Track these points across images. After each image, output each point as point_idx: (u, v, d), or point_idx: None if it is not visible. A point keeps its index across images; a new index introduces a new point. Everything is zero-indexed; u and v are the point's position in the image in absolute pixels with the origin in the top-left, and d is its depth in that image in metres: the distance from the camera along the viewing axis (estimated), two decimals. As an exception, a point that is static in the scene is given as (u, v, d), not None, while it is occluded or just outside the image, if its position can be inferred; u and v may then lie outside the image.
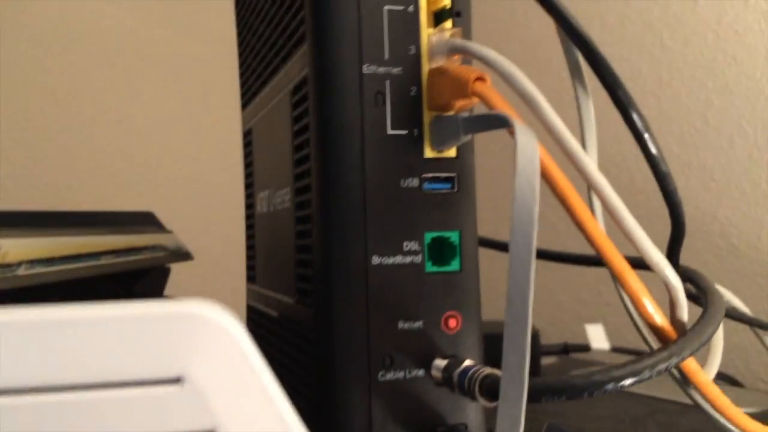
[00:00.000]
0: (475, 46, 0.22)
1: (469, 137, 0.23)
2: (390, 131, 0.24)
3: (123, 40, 0.70)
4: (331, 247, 0.24)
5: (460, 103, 0.23)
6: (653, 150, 0.22)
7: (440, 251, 0.24)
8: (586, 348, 0.52)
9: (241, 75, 0.38)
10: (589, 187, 0.22)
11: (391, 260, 0.24)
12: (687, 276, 0.30)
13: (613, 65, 0.53)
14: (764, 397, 0.41)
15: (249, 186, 0.37)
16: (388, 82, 0.24)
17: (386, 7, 0.24)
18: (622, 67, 0.58)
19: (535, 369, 0.48)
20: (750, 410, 0.36)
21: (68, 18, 0.68)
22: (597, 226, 0.20)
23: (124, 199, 0.69)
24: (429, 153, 0.24)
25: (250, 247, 0.37)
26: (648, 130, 0.21)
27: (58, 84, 0.67)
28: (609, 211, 0.22)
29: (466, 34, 0.25)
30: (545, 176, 0.20)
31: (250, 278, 0.37)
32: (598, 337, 0.53)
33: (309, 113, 0.24)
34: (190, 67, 0.73)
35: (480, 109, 0.22)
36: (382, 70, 0.24)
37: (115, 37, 0.70)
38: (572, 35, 0.21)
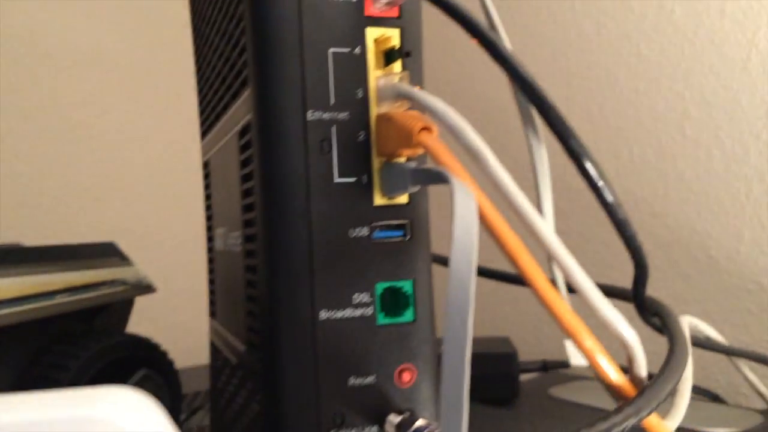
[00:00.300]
0: (420, 94, 0.21)
1: (417, 188, 0.22)
2: (337, 179, 0.23)
3: (89, 56, 0.69)
4: (277, 301, 0.23)
5: (407, 152, 0.22)
6: (609, 198, 0.21)
7: (392, 302, 0.23)
8: (565, 364, 0.52)
9: (199, 103, 0.36)
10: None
11: (340, 314, 0.23)
12: (654, 310, 0.30)
13: (590, 73, 0.52)
14: (746, 415, 0.40)
15: (209, 218, 0.36)
16: (334, 128, 0.23)
17: (331, 50, 0.23)
18: (599, 75, 0.58)
19: (513, 389, 0.47)
20: (731, 430, 0.36)
21: (35, 33, 0.66)
22: (547, 287, 0.19)
23: (87, 224, 0.68)
24: (379, 200, 0.23)
25: (211, 281, 0.36)
26: (603, 178, 0.20)
27: (19, 101, 0.66)
28: (565, 274, 0.21)
29: (417, 76, 0.23)
30: (493, 236, 0.19)
31: (212, 313, 0.36)
32: (577, 353, 0.52)
33: (253, 164, 0.23)
34: (158, 85, 0.72)
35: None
36: (327, 115, 0.23)
37: (81, 53, 0.68)
38: (520, 84, 0.20)
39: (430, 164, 0.21)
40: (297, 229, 0.22)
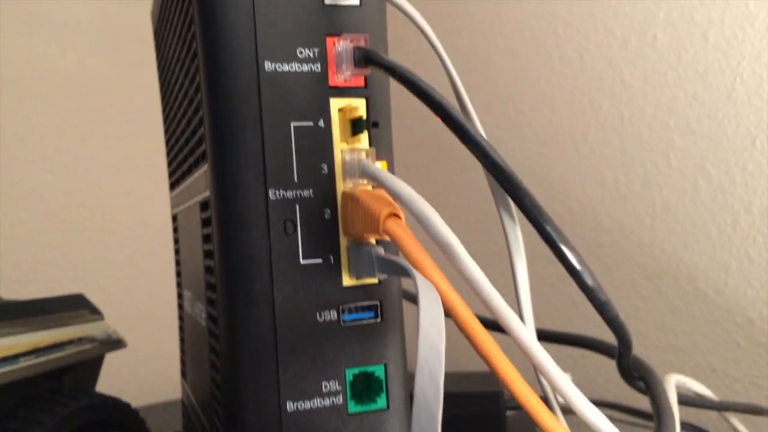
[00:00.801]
0: (387, 178, 0.19)
1: (384, 276, 0.21)
2: (303, 261, 0.21)
3: (64, 83, 0.67)
4: (240, 391, 0.21)
5: (374, 237, 0.20)
6: (590, 283, 0.19)
7: (364, 388, 0.22)
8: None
9: (167, 153, 0.35)
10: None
11: (308, 404, 0.21)
12: (639, 372, 0.29)
13: (574, 99, 0.51)
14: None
15: (178, 275, 0.34)
16: (298, 207, 0.21)
17: (293, 123, 0.21)
18: (582, 102, 0.57)
19: (500, 428, 0.46)
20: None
21: (8, 59, 0.65)
22: (529, 394, 0.18)
23: (61, 255, 0.66)
24: (348, 281, 0.22)
25: (181, 340, 0.34)
26: (581, 263, 0.19)
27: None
28: (551, 384, 0.20)
29: (385, 148, 0.22)
30: (465, 335, 0.17)
31: (183, 374, 0.34)
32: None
33: (213, 242, 0.22)
34: (136, 112, 0.70)
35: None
36: (290, 194, 0.21)
37: (57, 80, 0.67)
38: (492, 170, 0.19)
39: (395, 254, 0.20)
40: (260, 314, 0.21)
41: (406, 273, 0.17)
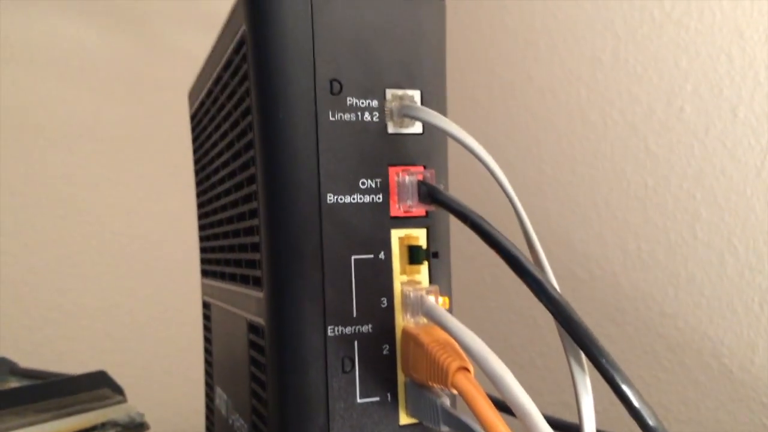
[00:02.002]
0: (458, 330, 0.19)
1: (447, 430, 0.20)
2: (360, 400, 0.21)
3: (80, 129, 0.66)
4: None
5: (438, 386, 0.20)
6: (651, 423, 0.19)
7: None
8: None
9: (201, 239, 0.34)
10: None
11: None
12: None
13: (597, 163, 0.50)
14: None
15: (209, 365, 0.33)
16: (356, 343, 0.21)
17: (354, 257, 0.21)
18: (605, 167, 0.56)
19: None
20: None
21: (26, 104, 0.64)
22: None
23: (74, 303, 0.65)
24: (404, 419, 0.21)
25: (208, 430, 0.34)
26: (644, 403, 0.19)
27: None
28: None
29: (445, 280, 0.22)
30: None
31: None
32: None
33: (266, 373, 0.21)
34: (151, 159, 0.70)
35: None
36: (349, 330, 0.21)
37: (73, 125, 0.66)
38: (567, 328, 0.18)
39: (461, 412, 0.19)
40: (315, 455, 0.20)
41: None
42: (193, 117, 0.34)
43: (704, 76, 0.50)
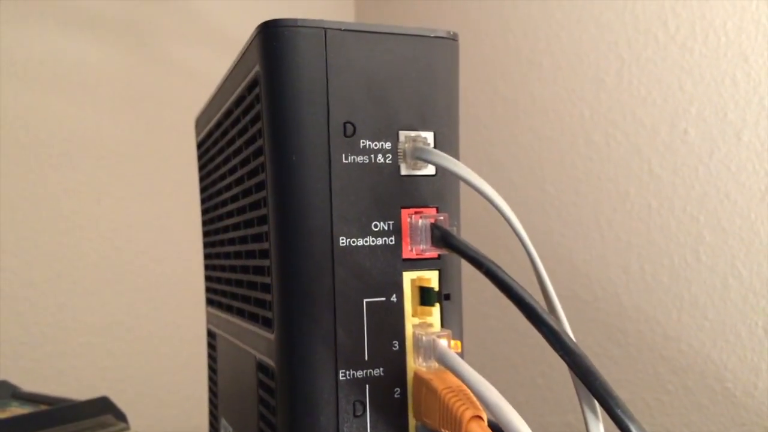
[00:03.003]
0: (474, 380, 0.19)
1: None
2: (371, 444, 0.21)
3: (83, 144, 0.66)
4: None
5: (451, 433, 0.19)
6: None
7: None
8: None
9: (205, 259, 0.34)
10: None
11: None
12: None
13: (600, 183, 0.50)
14: None
15: (214, 395, 0.33)
16: (368, 387, 0.21)
17: (366, 300, 0.21)
18: (608, 188, 0.56)
19: None
20: None
21: (28, 120, 0.64)
22: None
23: (76, 319, 0.65)
24: (415, 464, 0.21)
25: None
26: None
27: None
28: None
29: (456, 323, 0.22)
30: None
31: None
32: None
33: (276, 415, 0.21)
34: (154, 173, 0.69)
35: None
36: (361, 374, 0.21)
37: (76, 141, 0.66)
38: (582, 377, 0.18)
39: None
40: (326, 500, 0.20)
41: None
42: (200, 145, 0.33)
43: (708, 99, 0.50)
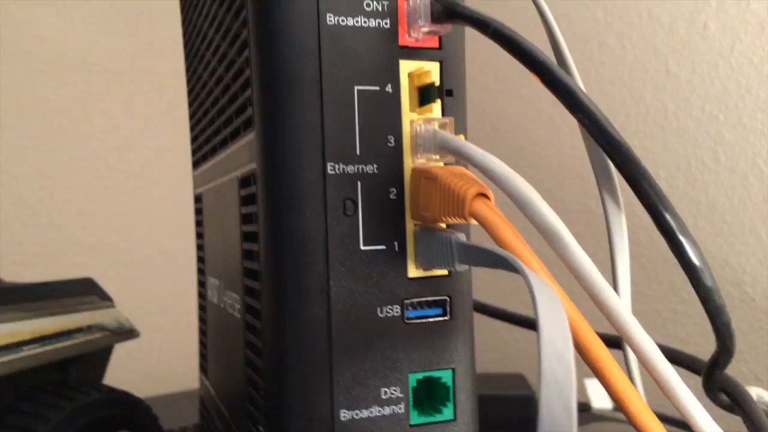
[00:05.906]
0: (474, 150, 0.16)
1: (465, 267, 0.18)
2: (363, 247, 0.18)
3: (74, 60, 0.64)
4: (286, 397, 0.18)
5: (453, 221, 0.17)
6: (709, 283, 0.17)
7: (428, 396, 0.19)
8: (585, 407, 0.48)
9: (191, 129, 0.32)
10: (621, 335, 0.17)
11: (365, 413, 0.18)
12: (721, 385, 0.26)
13: (613, 89, 0.47)
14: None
15: (200, 260, 0.31)
16: (359, 184, 0.18)
17: (357, 87, 0.18)
18: (622, 93, 0.53)
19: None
20: None
21: (16, 34, 0.61)
22: (640, 405, 0.15)
23: (67, 237, 0.63)
24: (413, 272, 0.19)
25: (202, 332, 0.31)
26: (702, 260, 0.16)
27: None
28: (643, 363, 0.17)
29: (460, 120, 0.19)
30: (576, 345, 0.14)
31: (202, 368, 0.31)
32: (599, 395, 0.48)
33: (258, 221, 0.19)
34: (147, 90, 0.67)
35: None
36: (351, 169, 0.18)
37: (66, 56, 0.63)
38: (599, 138, 0.16)
39: (482, 241, 0.17)
40: (312, 307, 0.18)
41: (507, 266, 0.14)
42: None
43: (731, -13, 0.47)
